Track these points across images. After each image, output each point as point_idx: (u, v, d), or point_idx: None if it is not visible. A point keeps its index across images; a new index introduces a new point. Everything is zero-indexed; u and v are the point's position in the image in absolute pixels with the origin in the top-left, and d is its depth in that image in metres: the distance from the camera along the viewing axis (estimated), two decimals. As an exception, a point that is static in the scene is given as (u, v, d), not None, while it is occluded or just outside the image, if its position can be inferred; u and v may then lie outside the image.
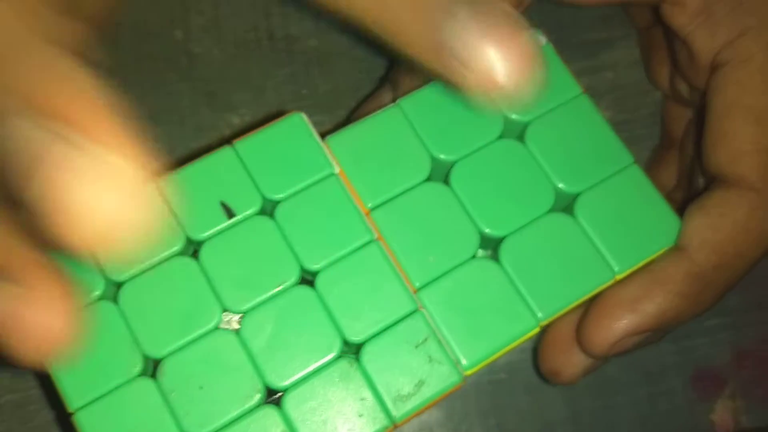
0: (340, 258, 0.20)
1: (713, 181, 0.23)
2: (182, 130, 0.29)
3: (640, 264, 0.21)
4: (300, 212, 0.20)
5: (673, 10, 0.24)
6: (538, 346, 0.24)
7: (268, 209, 0.21)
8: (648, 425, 0.28)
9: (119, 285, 0.19)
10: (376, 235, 0.20)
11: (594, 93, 0.30)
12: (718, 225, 0.22)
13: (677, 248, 0.22)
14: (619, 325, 0.22)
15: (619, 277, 0.21)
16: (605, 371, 0.28)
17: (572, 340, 0.23)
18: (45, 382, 0.26)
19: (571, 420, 0.28)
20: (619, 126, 0.30)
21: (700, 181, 0.26)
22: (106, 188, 0.12)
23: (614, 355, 0.22)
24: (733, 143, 0.23)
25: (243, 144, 0.20)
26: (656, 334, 0.23)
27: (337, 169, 0.21)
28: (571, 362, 0.23)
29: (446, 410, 0.27)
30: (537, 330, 0.20)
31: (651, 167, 0.30)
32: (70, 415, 0.18)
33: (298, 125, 0.21)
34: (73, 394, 0.18)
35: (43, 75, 0.13)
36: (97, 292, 0.19)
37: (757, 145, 0.22)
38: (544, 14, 0.28)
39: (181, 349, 0.19)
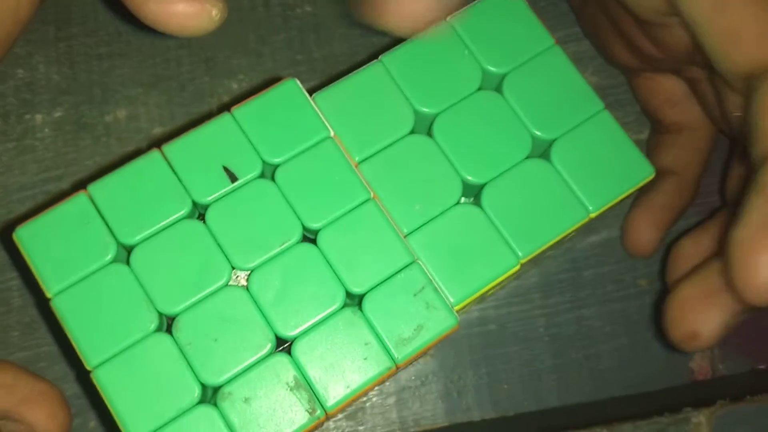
0: (340, 216, 0.22)
1: (754, 86, 0.23)
2: (182, 96, 0.31)
3: (613, 203, 0.24)
4: (299, 174, 0.22)
5: None
6: (664, 315, 0.24)
7: (268, 172, 0.22)
8: (629, 372, 0.31)
9: (130, 249, 0.21)
10: (372, 194, 0.22)
11: (580, 58, 0.32)
12: None
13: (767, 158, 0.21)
14: None
15: (593, 215, 0.23)
16: (588, 322, 0.31)
17: (705, 298, 0.23)
18: (59, 338, 0.28)
19: (557, 368, 0.30)
20: (605, 91, 0.32)
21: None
22: None
23: None
24: (749, 30, 0.22)
25: (240, 111, 0.22)
26: None
27: (331, 132, 0.22)
28: (709, 320, 0.23)
29: (440, 360, 0.30)
30: (517, 267, 0.22)
31: (652, 153, 0.30)
32: (88, 372, 0.20)
33: (292, 91, 0.23)
34: (90, 353, 0.20)
35: None
36: (110, 256, 0.21)
37: (766, 21, 0.22)
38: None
39: (194, 305, 0.21)
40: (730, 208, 0.27)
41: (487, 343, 0.30)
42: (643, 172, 0.24)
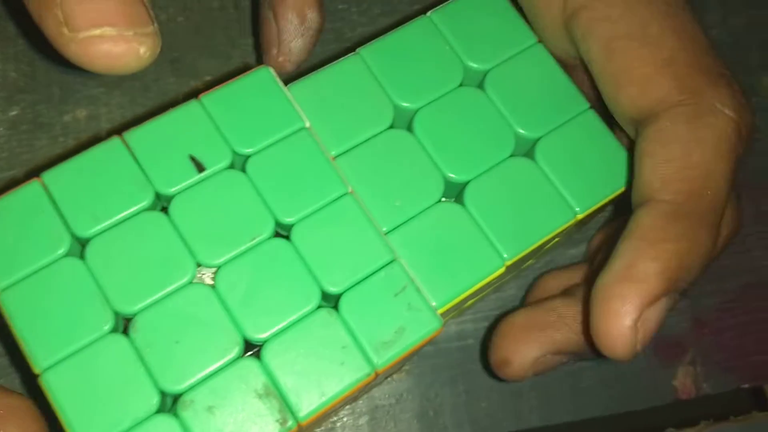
0: (315, 211, 0.20)
1: (638, 131, 0.22)
2: (146, 96, 0.29)
3: (600, 204, 0.22)
4: (272, 166, 0.20)
5: None
6: (490, 337, 0.24)
7: (239, 164, 0.21)
8: (612, 390, 0.29)
9: (86, 242, 0.19)
10: (349, 188, 0.21)
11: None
12: (667, 155, 0.21)
13: (644, 203, 0.21)
14: (632, 302, 0.19)
15: (580, 216, 0.22)
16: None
17: (527, 330, 0.22)
18: (4, 338, 0.26)
19: (537, 385, 0.29)
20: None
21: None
22: None
23: (648, 339, 0.20)
24: (633, 74, 0.22)
25: (210, 98, 0.21)
26: (681, 287, 0.21)
27: (307, 123, 0.21)
28: (522, 352, 0.22)
29: (416, 377, 0.28)
30: (503, 270, 0.21)
31: None
32: (36, 376, 0.18)
33: (265, 79, 0.21)
34: (39, 354, 0.18)
35: None
36: (63, 249, 0.19)
37: (652, 63, 0.22)
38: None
39: (154, 304, 0.19)
40: (588, 260, 0.27)
41: (465, 358, 0.28)
42: (629, 173, 0.23)
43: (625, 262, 0.20)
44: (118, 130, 0.20)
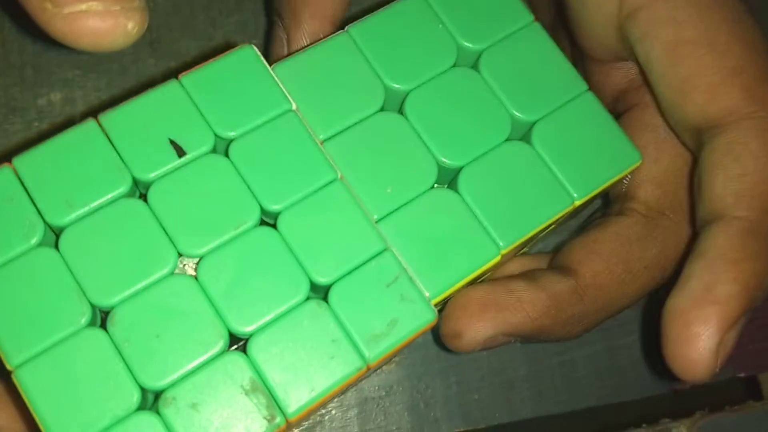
0: (303, 198, 0.19)
1: (703, 141, 0.22)
2: (124, 79, 0.28)
3: (599, 190, 0.22)
4: (256, 150, 0.19)
5: None
6: (443, 311, 0.23)
7: (221, 148, 0.20)
8: (606, 379, 0.29)
9: (60, 230, 0.18)
10: (339, 174, 0.20)
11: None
12: (740, 169, 0.20)
13: (716, 219, 0.20)
14: (715, 326, 0.19)
15: (578, 203, 0.21)
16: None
17: (483, 306, 0.22)
18: None
19: (530, 376, 0.28)
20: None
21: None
22: None
23: (726, 359, 0.20)
24: (699, 82, 0.21)
25: (190, 78, 0.20)
26: (757, 305, 0.20)
27: (293, 105, 0.20)
28: (475, 327, 0.22)
29: (406, 368, 0.27)
30: (498, 258, 0.20)
31: None
32: (9, 373, 0.17)
33: (249, 58, 0.20)
34: (12, 350, 0.17)
35: None
36: (36, 239, 0.18)
37: (720, 71, 0.21)
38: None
39: (133, 296, 0.18)
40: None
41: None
42: (629, 157, 0.22)
43: (703, 284, 0.19)
44: (94, 113, 0.19)
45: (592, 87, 0.23)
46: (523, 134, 0.22)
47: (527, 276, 0.23)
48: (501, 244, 0.20)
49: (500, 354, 0.28)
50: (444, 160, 0.21)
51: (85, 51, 0.17)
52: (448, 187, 0.22)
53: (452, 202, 0.21)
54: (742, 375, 0.30)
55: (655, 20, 0.22)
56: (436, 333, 0.26)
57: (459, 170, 0.21)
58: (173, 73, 0.28)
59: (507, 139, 0.22)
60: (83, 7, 0.16)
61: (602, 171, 0.22)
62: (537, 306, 0.22)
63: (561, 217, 0.21)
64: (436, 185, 0.21)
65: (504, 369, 0.28)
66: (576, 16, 0.24)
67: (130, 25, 0.17)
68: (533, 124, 0.22)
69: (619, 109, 0.25)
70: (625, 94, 0.25)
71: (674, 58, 0.21)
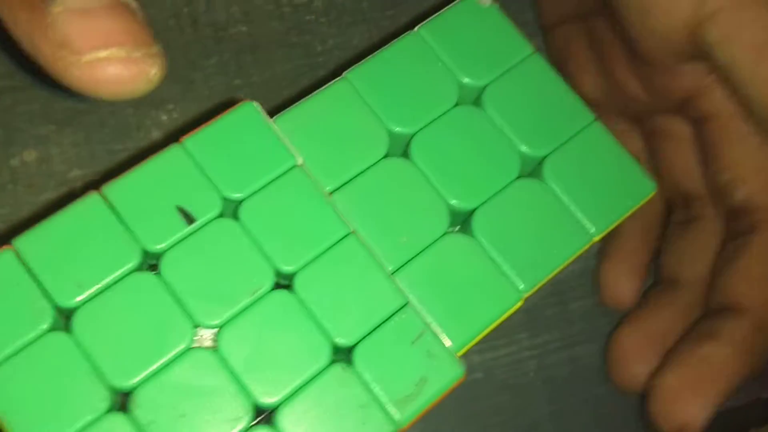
0: (317, 256, 0.21)
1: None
2: (103, 132, 0.29)
3: (616, 224, 0.23)
4: (265, 210, 0.21)
5: None
6: (649, 408, 0.26)
7: (229, 211, 0.21)
8: (631, 414, 0.30)
9: (71, 312, 0.19)
10: (351, 228, 0.21)
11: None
12: None
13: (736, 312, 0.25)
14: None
15: (596, 239, 0.23)
16: (584, 361, 0.30)
17: (692, 389, 0.25)
18: None
19: (556, 415, 0.30)
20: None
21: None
22: None
23: None
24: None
25: (192, 140, 0.21)
26: None
27: (299, 160, 0.22)
28: (698, 410, 0.25)
29: (421, 422, 0.28)
30: (520, 304, 0.22)
31: None
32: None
33: (250, 115, 0.22)
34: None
35: None
36: (46, 324, 0.19)
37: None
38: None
39: (153, 375, 0.19)
40: (664, 286, 0.29)
41: (474, 395, 0.29)
42: (644, 187, 0.24)
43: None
44: (94, 185, 0.20)
45: (655, 91, 0.26)
46: (534, 170, 0.24)
47: (704, 335, 0.26)
48: (522, 287, 0.22)
49: (520, 394, 0.29)
50: (455, 203, 0.22)
51: (103, 99, 0.18)
52: (461, 230, 0.23)
53: (467, 246, 0.22)
54: (766, 395, 0.32)
55: (736, 22, 0.24)
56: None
57: (471, 212, 0.23)
58: (154, 123, 0.29)
59: (518, 177, 0.23)
60: (104, 54, 0.17)
61: (618, 203, 0.23)
62: (736, 363, 0.25)
63: (580, 254, 0.23)
64: (450, 229, 0.22)
65: (526, 409, 0.29)
66: (638, 21, 0.26)
67: (152, 72, 0.18)
68: (543, 159, 0.23)
69: (688, 114, 0.27)
70: (695, 99, 0.27)
71: (761, 58, 0.24)
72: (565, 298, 0.31)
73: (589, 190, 0.23)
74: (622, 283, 0.30)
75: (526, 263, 0.22)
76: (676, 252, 0.29)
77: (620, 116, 0.30)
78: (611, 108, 0.30)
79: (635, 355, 0.28)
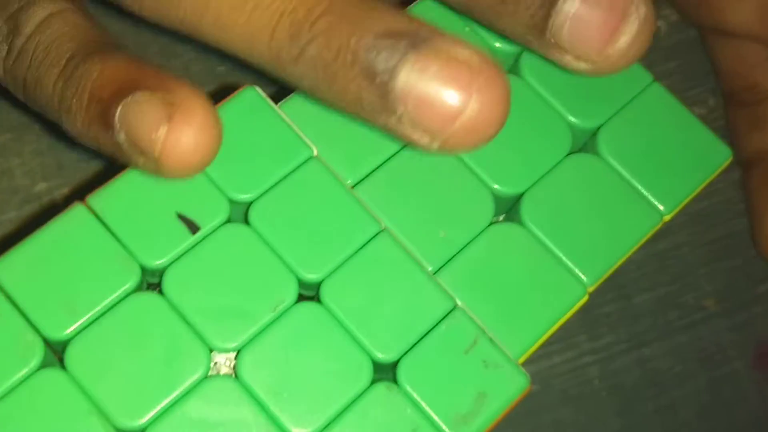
0: (346, 259, 0.19)
1: None
2: (68, 138, 0.28)
3: (688, 199, 0.22)
4: (281, 211, 0.20)
5: None
6: None
7: (239, 215, 0.20)
8: (712, 419, 0.29)
9: (64, 346, 0.18)
10: (383, 225, 0.20)
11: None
12: None
13: None
14: None
15: (667, 218, 0.22)
16: (653, 364, 0.29)
17: None
18: None
19: (625, 429, 0.28)
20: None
21: None
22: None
23: None
24: None
25: (190, 136, 0.20)
26: None
27: (314, 150, 0.20)
28: None
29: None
30: (586, 299, 0.21)
31: (746, 133, 0.30)
32: None
33: (254, 102, 0.20)
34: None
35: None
36: (35, 360, 0.18)
37: None
38: None
39: (166, 412, 0.18)
40: None
41: (531, 409, 0.28)
42: (718, 155, 0.23)
43: None
44: (78, 195, 0.19)
45: (723, 62, 0.27)
46: (587, 143, 0.23)
47: None
48: (586, 280, 0.21)
49: (584, 408, 0.28)
50: (499, 188, 0.21)
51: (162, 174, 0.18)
52: (507, 218, 0.22)
53: (518, 237, 0.21)
54: None
55: None
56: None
57: (519, 198, 0.21)
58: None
59: (569, 153, 0.22)
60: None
61: (688, 176, 0.22)
62: None
63: (649, 238, 0.22)
64: (495, 219, 0.21)
65: (592, 425, 0.28)
66: None
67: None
68: (597, 129, 0.22)
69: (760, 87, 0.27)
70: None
71: None
72: (626, 291, 0.29)
73: (654, 163, 0.22)
74: None
75: (586, 252, 0.21)
76: None
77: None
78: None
79: None
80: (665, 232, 0.29)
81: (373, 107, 0.17)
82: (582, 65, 0.19)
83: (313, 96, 0.18)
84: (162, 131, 0.17)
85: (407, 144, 0.18)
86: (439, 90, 0.16)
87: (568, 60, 0.19)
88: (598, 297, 0.29)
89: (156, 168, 0.17)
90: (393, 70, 0.16)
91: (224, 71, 0.29)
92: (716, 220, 0.31)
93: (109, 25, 0.28)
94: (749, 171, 0.30)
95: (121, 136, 0.17)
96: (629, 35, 0.18)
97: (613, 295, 0.29)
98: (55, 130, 0.27)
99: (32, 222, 0.18)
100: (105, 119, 0.17)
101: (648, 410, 0.29)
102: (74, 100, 0.18)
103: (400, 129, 0.17)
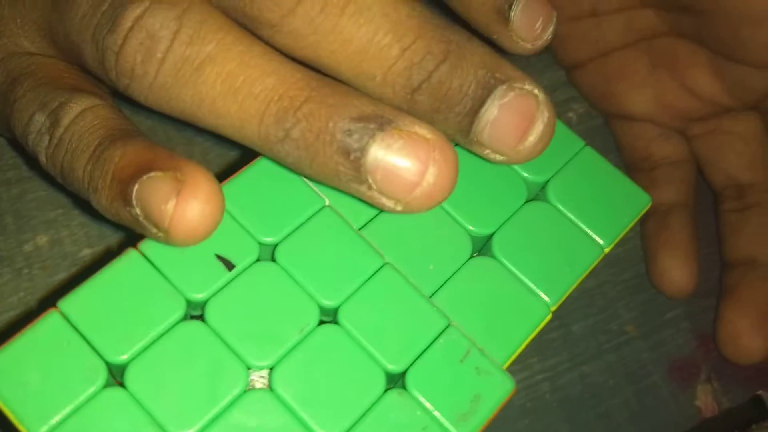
0: (358, 288, 0.19)
1: None
2: None
3: (622, 235, 0.23)
4: (302, 250, 0.19)
5: None
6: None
7: (266, 255, 0.19)
8: (641, 424, 0.29)
9: (123, 368, 0.17)
10: (386, 259, 0.20)
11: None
12: None
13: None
14: None
15: (607, 250, 0.22)
16: (591, 379, 0.29)
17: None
18: None
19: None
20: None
21: None
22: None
23: None
24: None
25: (225, 191, 0.19)
26: None
27: (327, 201, 0.20)
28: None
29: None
30: (549, 317, 0.21)
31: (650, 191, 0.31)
32: None
33: (273, 167, 0.20)
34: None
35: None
36: (100, 381, 0.17)
37: None
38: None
39: (212, 422, 0.17)
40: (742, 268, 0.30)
41: (495, 423, 0.27)
42: (641, 200, 0.23)
43: None
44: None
45: (743, 90, 0.28)
46: (537, 194, 0.23)
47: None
48: (548, 300, 0.21)
49: (538, 418, 0.28)
50: (473, 229, 0.21)
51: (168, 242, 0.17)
52: (482, 255, 0.22)
53: (492, 268, 0.21)
54: (761, 392, 0.31)
55: None
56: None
57: (490, 237, 0.21)
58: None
59: (526, 201, 0.22)
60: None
61: (621, 217, 0.23)
62: None
63: (595, 266, 0.22)
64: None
65: (546, 431, 0.28)
66: (748, 34, 0.26)
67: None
68: (545, 184, 0.23)
69: (653, 157, 0.28)
70: None
71: None
72: (566, 321, 0.29)
73: (592, 208, 0.22)
74: (684, 271, 0.30)
75: (548, 279, 0.21)
76: (746, 236, 0.30)
77: (665, 126, 0.31)
78: (662, 118, 0.31)
79: (750, 332, 0.29)
80: (591, 273, 0.29)
81: (348, 178, 0.17)
82: (498, 157, 0.19)
83: (296, 170, 0.18)
84: (171, 204, 0.16)
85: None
86: (402, 163, 0.17)
87: (488, 153, 0.19)
88: (545, 326, 0.29)
89: (166, 238, 0.17)
90: (364, 148, 0.17)
91: (237, 156, 0.29)
92: (629, 263, 0.31)
93: (139, 122, 0.28)
94: (646, 222, 0.31)
95: (137, 210, 0.17)
96: (536, 135, 0.19)
97: (555, 324, 0.30)
98: (88, 206, 0.27)
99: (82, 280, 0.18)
100: (124, 196, 0.17)
101: (590, 417, 0.28)
102: (100, 181, 0.18)
103: (370, 195, 0.17)
